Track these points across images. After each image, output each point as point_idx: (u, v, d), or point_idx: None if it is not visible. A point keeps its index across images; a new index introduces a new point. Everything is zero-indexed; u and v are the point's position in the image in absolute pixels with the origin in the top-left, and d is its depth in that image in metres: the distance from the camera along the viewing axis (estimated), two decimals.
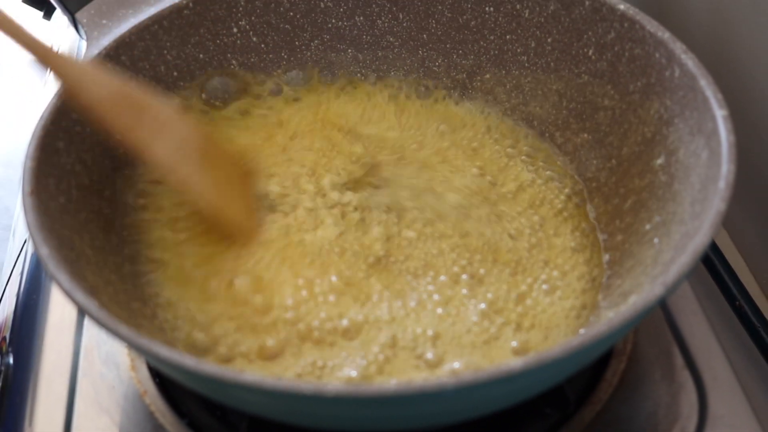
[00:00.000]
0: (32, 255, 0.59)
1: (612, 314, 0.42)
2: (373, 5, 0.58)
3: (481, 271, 0.48)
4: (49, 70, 0.46)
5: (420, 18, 0.58)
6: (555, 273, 0.48)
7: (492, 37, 0.56)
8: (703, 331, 0.48)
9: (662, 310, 0.50)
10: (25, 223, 0.39)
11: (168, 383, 0.47)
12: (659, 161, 0.46)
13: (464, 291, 0.47)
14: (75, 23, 0.60)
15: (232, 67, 0.56)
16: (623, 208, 0.48)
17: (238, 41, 0.56)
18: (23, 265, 0.58)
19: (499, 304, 0.46)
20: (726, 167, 0.38)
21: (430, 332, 0.44)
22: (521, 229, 0.50)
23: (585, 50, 0.51)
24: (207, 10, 0.54)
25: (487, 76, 0.57)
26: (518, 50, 0.55)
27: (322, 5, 0.58)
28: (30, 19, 0.79)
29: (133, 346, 0.35)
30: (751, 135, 0.55)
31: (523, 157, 0.55)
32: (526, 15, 0.54)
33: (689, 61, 0.44)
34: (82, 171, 0.46)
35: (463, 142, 0.56)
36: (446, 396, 0.32)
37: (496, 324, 0.45)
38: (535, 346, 0.44)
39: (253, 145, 0.56)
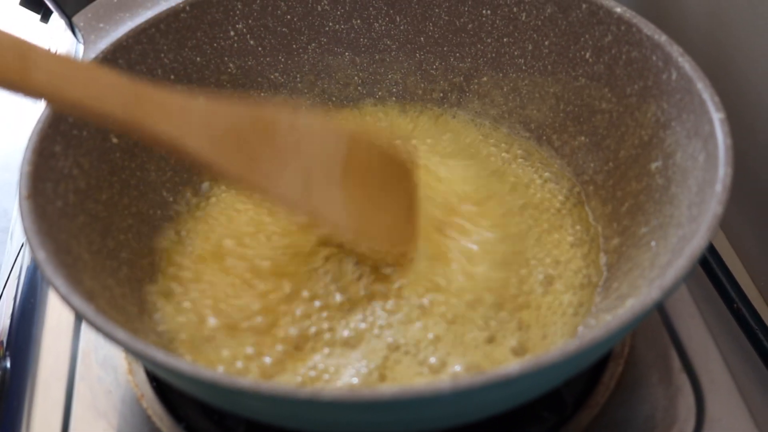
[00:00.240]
0: (30, 258, 0.58)
1: (609, 317, 0.42)
2: (371, 8, 0.58)
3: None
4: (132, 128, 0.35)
5: (417, 21, 0.58)
6: (552, 269, 0.48)
7: (489, 40, 0.56)
8: (700, 335, 0.48)
9: (660, 313, 0.50)
10: (22, 226, 0.39)
11: (165, 387, 0.47)
12: (656, 164, 0.46)
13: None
14: (72, 27, 0.60)
15: (229, 70, 0.56)
16: (620, 211, 0.48)
17: (235, 44, 0.56)
18: (21, 269, 0.58)
19: (497, 299, 0.46)
20: (723, 170, 0.38)
21: (430, 336, 0.44)
22: (520, 226, 0.51)
23: (582, 53, 0.51)
24: (204, 14, 0.54)
25: (485, 79, 0.57)
26: (515, 53, 0.55)
27: (320, 8, 0.57)
28: (27, 22, 0.79)
29: (129, 350, 0.35)
30: (748, 138, 0.55)
31: (520, 160, 0.55)
32: (523, 18, 0.54)
33: (686, 64, 0.44)
34: (79, 175, 0.46)
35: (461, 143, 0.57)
36: (443, 400, 0.32)
37: (497, 320, 0.45)
38: (534, 345, 0.44)
39: None
